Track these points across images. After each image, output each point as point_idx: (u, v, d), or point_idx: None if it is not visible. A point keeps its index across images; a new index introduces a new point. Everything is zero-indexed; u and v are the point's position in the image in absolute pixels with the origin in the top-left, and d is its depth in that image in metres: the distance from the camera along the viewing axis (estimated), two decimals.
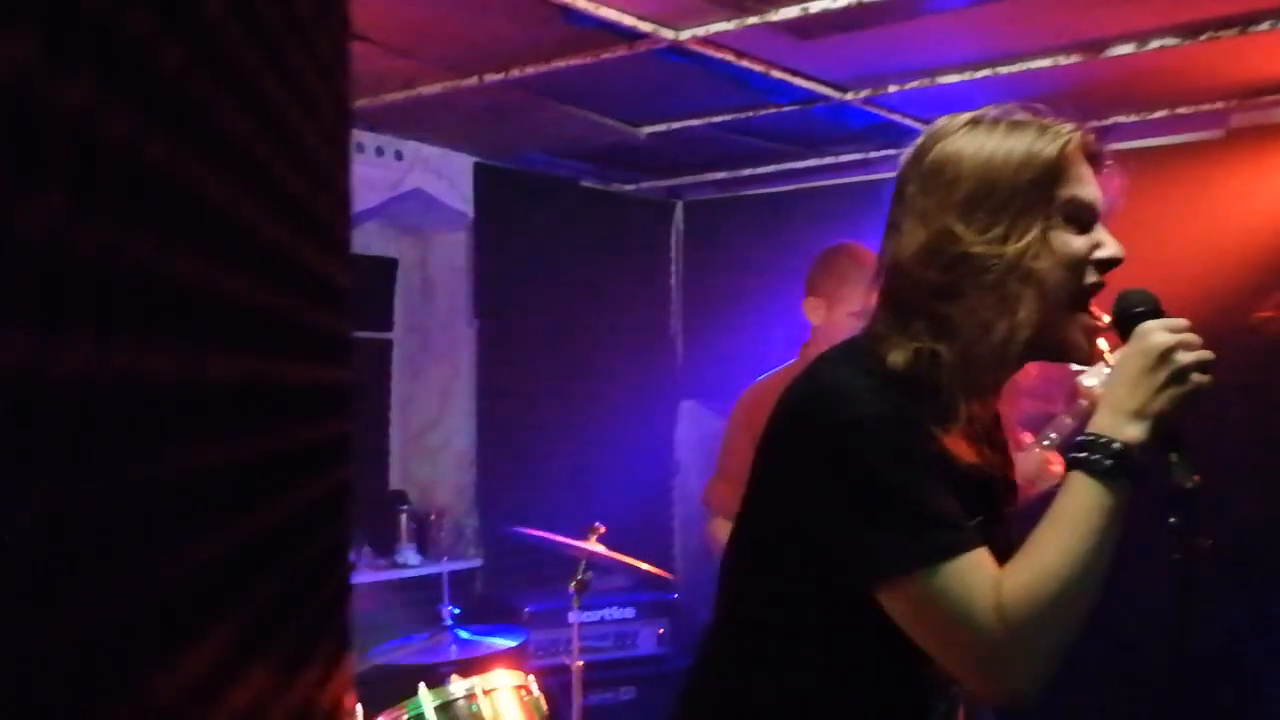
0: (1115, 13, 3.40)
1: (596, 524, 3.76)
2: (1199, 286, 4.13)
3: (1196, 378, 1.34)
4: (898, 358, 1.38)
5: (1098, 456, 1.32)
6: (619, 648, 4.82)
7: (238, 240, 0.52)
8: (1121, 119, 4.53)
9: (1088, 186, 1.45)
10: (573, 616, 3.80)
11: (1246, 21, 3.40)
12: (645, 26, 3.40)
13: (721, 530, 3.25)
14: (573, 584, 3.73)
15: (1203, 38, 3.49)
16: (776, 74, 3.86)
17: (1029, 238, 1.36)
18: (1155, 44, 3.57)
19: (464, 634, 3.69)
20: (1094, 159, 1.49)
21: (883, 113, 4.41)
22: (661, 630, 4.91)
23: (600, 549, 3.71)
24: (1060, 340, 1.42)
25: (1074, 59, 3.73)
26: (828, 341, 3.13)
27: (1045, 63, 3.79)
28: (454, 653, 3.61)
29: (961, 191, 1.38)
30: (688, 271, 6.20)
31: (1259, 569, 4.03)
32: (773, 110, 4.32)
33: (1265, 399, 4.33)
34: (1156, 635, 4.04)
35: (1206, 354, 1.35)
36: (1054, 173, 1.40)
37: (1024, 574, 1.30)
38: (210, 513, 0.46)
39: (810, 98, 4.15)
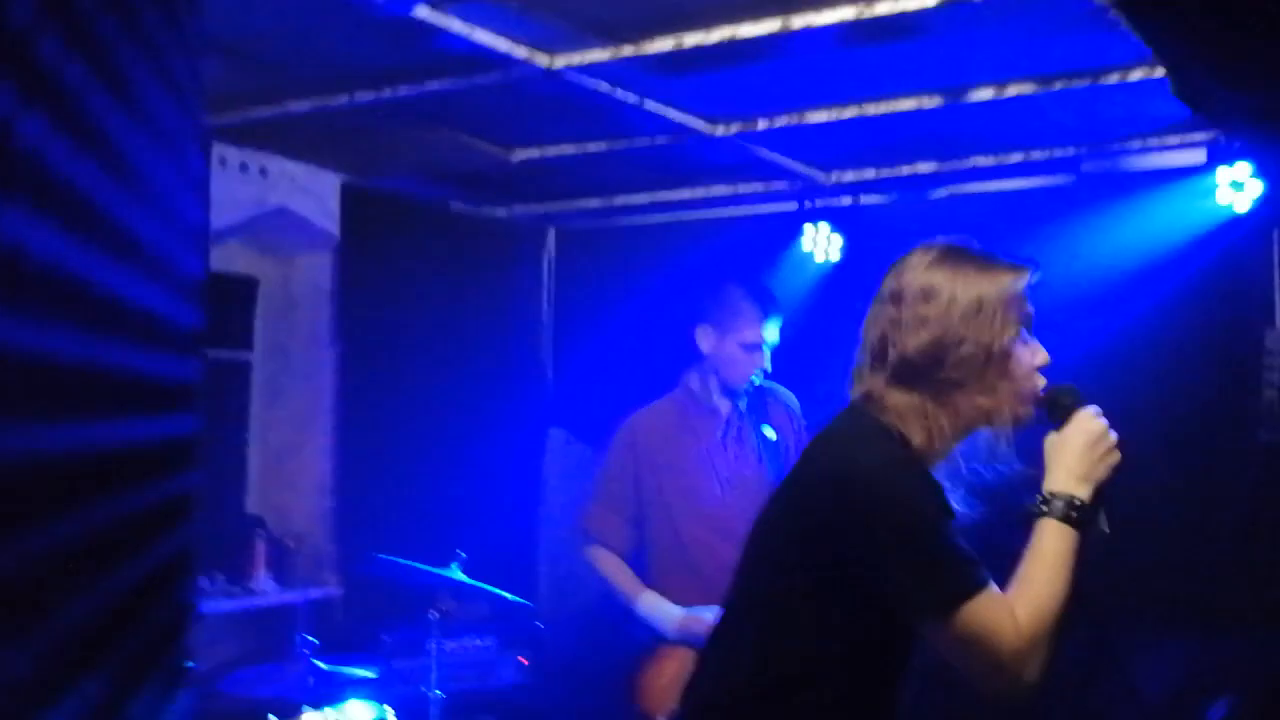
0: (975, 60, 3.52)
1: (459, 552, 3.70)
2: (1051, 323, 4.27)
3: (1117, 456, 1.85)
4: (918, 437, 1.82)
5: (1062, 508, 1.81)
6: (480, 678, 4.75)
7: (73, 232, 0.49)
8: (980, 161, 4.69)
9: (1030, 305, 1.90)
10: (433, 646, 3.73)
11: (1097, 73, 3.56)
12: (520, 53, 3.39)
13: (602, 558, 3.26)
14: (433, 613, 3.66)
15: (1056, 86, 3.65)
16: (650, 106, 3.90)
17: (1007, 344, 1.83)
18: (1012, 90, 3.71)
19: (320, 664, 3.59)
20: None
21: (753, 148, 4.49)
22: (524, 660, 4.86)
23: (463, 577, 3.65)
24: (1014, 416, 1.88)
25: (937, 101, 3.86)
26: (715, 369, 3.20)
27: (910, 104, 3.90)
28: (309, 684, 3.51)
29: (960, 308, 1.82)
30: (560, 298, 6.18)
31: (1101, 601, 4.18)
32: (645, 142, 4.35)
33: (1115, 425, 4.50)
34: None
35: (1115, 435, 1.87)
36: (1021, 298, 1.87)
37: (1029, 601, 1.76)
38: (20, 513, 0.43)
39: (682, 131, 4.19)
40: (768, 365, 3.22)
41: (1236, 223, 4.19)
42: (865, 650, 1.88)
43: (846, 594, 1.82)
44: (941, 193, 4.99)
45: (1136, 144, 4.40)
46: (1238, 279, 4.33)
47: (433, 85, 3.70)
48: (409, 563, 3.69)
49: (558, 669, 5.17)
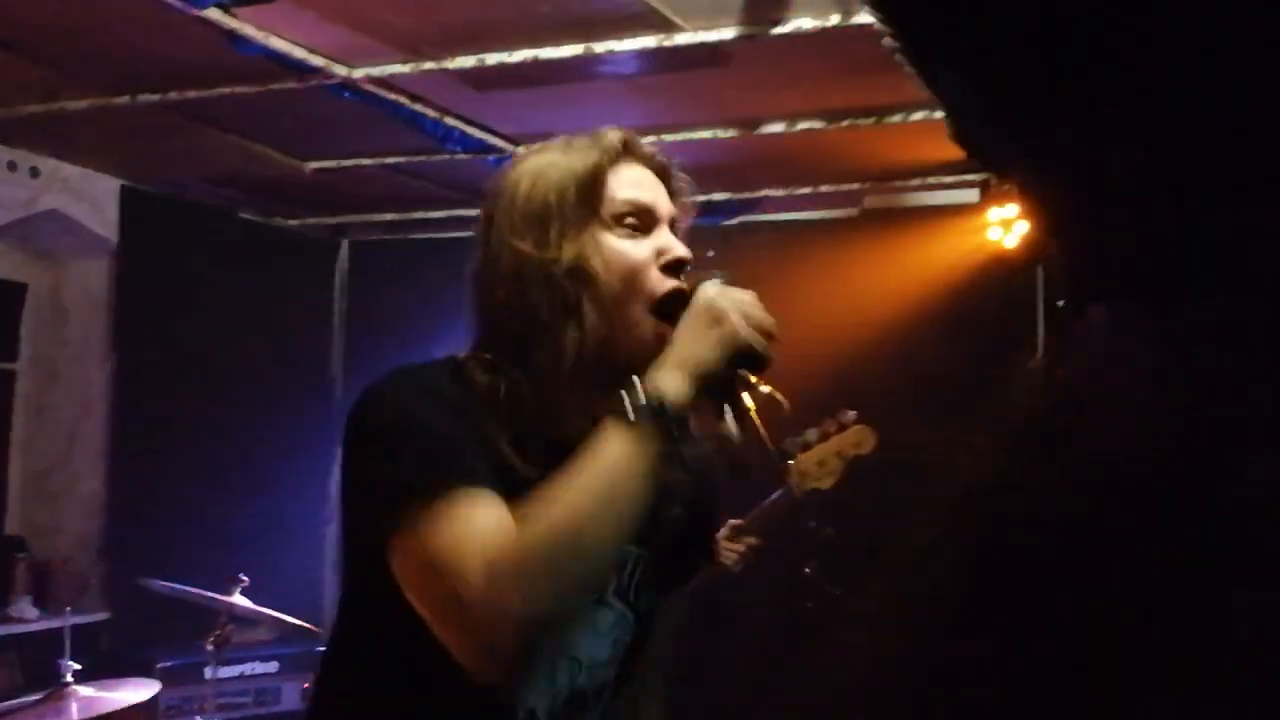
0: (770, 94, 3.65)
1: (240, 575, 3.57)
2: (833, 346, 4.47)
3: (745, 332, 1.27)
4: (483, 376, 1.33)
5: (640, 408, 1.24)
6: (259, 704, 4.59)
7: None
8: (771, 192, 4.86)
9: (639, 190, 1.39)
10: (209, 672, 3.58)
11: (882, 112, 3.74)
12: (317, 61, 3.32)
13: None
14: (211, 638, 3.51)
15: (844, 124, 3.81)
16: (450, 121, 3.87)
17: (578, 244, 1.34)
18: (803, 125, 3.86)
19: (86, 691, 3.39)
20: (654, 166, 1.43)
21: None
22: (307, 685, 4.72)
23: (243, 601, 3.52)
24: (632, 349, 1.33)
25: (731, 133, 3.97)
26: None
27: (706, 134, 4.00)
28: (74, 712, 3.31)
29: (519, 209, 1.39)
30: (352, 312, 6.05)
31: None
32: (445, 157, 4.31)
33: (887, 446, 4.72)
34: (788, 673, 4.29)
35: (767, 319, 1.30)
36: (597, 180, 1.37)
37: (526, 527, 1.19)
38: None
39: (483, 148, 4.18)
40: None
41: (1005, 258, 4.47)
42: (399, 648, 1.30)
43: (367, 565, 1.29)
44: (734, 220, 5.13)
45: (916, 181, 4.65)
46: (1005, 310, 4.62)
47: (224, 91, 3.57)
48: (183, 586, 3.53)
49: None
